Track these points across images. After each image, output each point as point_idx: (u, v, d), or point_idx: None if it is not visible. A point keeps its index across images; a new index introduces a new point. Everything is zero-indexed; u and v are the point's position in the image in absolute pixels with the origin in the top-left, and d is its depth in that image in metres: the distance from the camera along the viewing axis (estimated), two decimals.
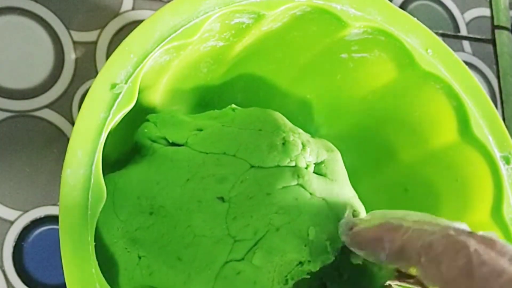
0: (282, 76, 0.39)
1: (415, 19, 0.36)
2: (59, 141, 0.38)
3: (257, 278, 0.28)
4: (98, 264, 0.27)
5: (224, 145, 0.32)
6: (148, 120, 0.35)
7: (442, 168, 0.37)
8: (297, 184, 0.30)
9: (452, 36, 0.48)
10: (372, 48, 0.36)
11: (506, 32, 0.49)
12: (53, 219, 0.37)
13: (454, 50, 0.36)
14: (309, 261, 0.29)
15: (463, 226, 0.24)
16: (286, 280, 0.28)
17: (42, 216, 0.37)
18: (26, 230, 0.37)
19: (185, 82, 0.36)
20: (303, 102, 0.40)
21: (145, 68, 0.30)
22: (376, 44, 0.35)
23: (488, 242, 0.22)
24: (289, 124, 0.34)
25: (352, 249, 0.28)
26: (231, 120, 0.33)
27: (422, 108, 0.37)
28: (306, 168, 0.31)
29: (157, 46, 0.30)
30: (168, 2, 0.31)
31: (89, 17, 0.40)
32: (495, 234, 0.23)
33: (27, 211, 0.37)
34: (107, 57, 0.37)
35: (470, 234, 0.23)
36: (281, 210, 0.29)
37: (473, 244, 0.22)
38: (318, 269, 0.29)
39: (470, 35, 0.49)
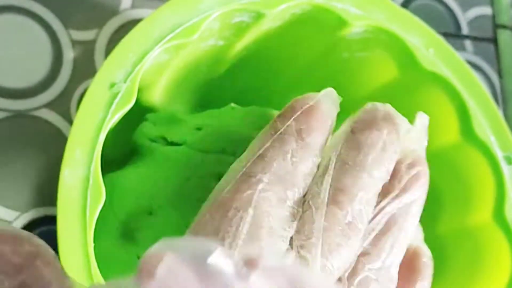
0: (282, 75, 0.39)
1: (416, 18, 0.35)
2: (57, 141, 0.38)
3: None
4: (97, 265, 0.27)
5: (223, 144, 0.31)
6: (146, 120, 0.35)
7: (443, 169, 0.37)
8: None
9: (453, 35, 0.48)
10: (374, 47, 0.35)
11: (508, 31, 0.49)
12: (51, 219, 0.37)
13: (456, 50, 0.36)
14: None
15: None
16: None
17: (40, 217, 0.37)
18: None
19: (185, 81, 0.36)
20: None
21: (144, 67, 0.29)
22: (378, 43, 0.35)
23: None
24: None
25: None
26: (231, 119, 0.33)
27: (424, 108, 0.36)
28: None
29: (156, 45, 0.30)
30: (167, 0, 0.31)
31: (87, 15, 0.40)
32: None
33: (25, 211, 0.37)
34: (106, 56, 0.36)
35: None
36: None
37: None
38: None
39: (472, 34, 0.49)
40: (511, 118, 0.47)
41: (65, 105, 0.39)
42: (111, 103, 0.29)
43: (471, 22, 0.49)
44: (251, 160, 0.21)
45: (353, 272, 0.20)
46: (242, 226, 0.19)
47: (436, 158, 0.37)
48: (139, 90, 0.30)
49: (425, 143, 0.24)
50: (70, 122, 0.38)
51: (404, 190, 0.22)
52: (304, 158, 0.21)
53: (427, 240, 0.38)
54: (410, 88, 0.36)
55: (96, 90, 0.29)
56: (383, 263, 0.21)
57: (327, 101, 0.25)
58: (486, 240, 0.35)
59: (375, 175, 0.21)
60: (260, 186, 0.20)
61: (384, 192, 0.22)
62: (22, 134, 0.38)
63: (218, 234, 0.19)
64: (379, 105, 0.24)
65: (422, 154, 0.24)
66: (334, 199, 0.21)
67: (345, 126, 0.24)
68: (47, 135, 0.38)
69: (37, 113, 0.38)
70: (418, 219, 0.23)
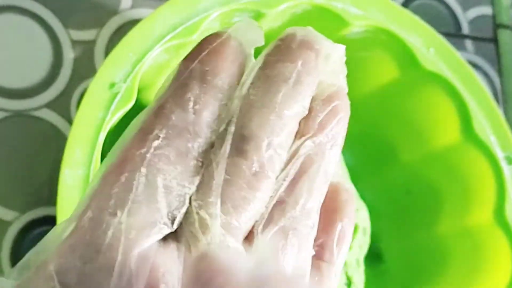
0: None
1: (417, 17, 0.35)
2: (57, 141, 0.38)
3: None
4: None
5: None
6: None
7: (444, 169, 0.37)
8: None
9: (453, 35, 0.48)
10: (374, 47, 0.35)
11: (508, 31, 0.49)
12: (52, 220, 0.37)
13: (456, 49, 0.36)
14: None
15: None
16: None
17: (40, 217, 0.37)
18: (24, 231, 0.37)
19: None
20: None
21: (144, 67, 0.29)
22: (378, 43, 0.35)
23: None
24: None
25: None
26: None
27: (424, 108, 0.37)
28: None
29: (156, 45, 0.30)
30: (167, 0, 0.31)
31: (87, 15, 0.40)
32: None
33: (25, 212, 0.37)
34: (106, 56, 0.36)
35: None
36: None
37: None
38: None
39: (472, 34, 0.49)
40: (511, 118, 0.47)
41: (65, 105, 0.39)
42: (111, 103, 0.29)
43: (472, 22, 0.49)
44: (149, 114, 0.19)
45: (268, 223, 0.18)
46: (136, 188, 0.18)
47: (436, 158, 0.37)
48: (139, 90, 0.30)
49: (344, 74, 0.22)
50: (70, 122, 0.38)
51: (320, 128, 0.20)
52: (208, 103, 0.19)
53: (427, 240, 0.38)
54: (410, 88, 0.36)
55: (96, 90, 0.29)
56: (302, 209, 0.19)
57: (239, 35, 0.21)
58: (486, 240, 0.35)
59: (286, 114, 0.19)
60: (155, 143, 0.18)
61: (300, 132, 0.20)
62: (22, 134, 0.38)
63: (111, 201, 0.18)
64: (297, 29, 0.21)
65: (341, 87, 0.21)
66: (238, 149, 0.18)
67: (257, 60, 0.21)
68: (47, 135, 0.38)
69: (37, 113, 0.38)
70: (338, 156, 0.21)
